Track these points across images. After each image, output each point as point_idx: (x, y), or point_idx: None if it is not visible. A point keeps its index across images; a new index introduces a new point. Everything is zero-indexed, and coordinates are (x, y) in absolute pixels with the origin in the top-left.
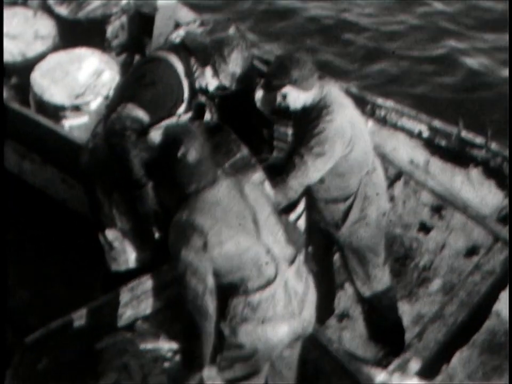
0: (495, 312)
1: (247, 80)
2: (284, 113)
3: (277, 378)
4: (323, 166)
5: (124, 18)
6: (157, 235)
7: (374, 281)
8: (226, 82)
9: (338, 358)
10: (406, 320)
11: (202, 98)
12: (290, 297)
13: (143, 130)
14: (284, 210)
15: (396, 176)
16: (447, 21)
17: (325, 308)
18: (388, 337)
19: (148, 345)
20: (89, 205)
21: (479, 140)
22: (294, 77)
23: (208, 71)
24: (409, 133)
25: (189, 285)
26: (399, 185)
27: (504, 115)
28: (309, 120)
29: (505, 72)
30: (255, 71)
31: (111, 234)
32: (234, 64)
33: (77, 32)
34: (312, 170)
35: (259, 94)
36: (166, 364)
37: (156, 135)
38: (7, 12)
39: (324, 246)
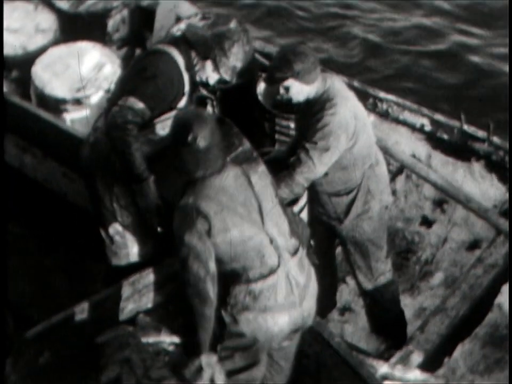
0: (497, 305)
1: (249, 73)
2: (286, 106)
3: (274, 369)
4: (329, 160)
5: (125, 12)
6: (158, 229)
7: (376, 275)
8: (227, 76)
9: (340, 351)
10: (408, 313)
11: (203, 92)
12: (292, 288)
13: (144, 123)
14: (287, 204)
15: (397, 170)
16: (449, 17)
17: (327, 302)
18: (390, 331)
19: (150, 339)
20: (90, 198)
21: (481, 133)
22: (297, 69)
23: (209, 65)
24: (411, 127)
25: (191, 269)
26: (401, 179)
27: (505, 111)
28: (312, 113)
29: (506, 68)
30: (256, 65)
31: (112, 228)
32: (235, 58)
33: (77, 26)
34: (319, 165)
35: (261, 87)
36: (168, 358)
37: (157, 128)
38: (8, 6)
39: (326, 239)
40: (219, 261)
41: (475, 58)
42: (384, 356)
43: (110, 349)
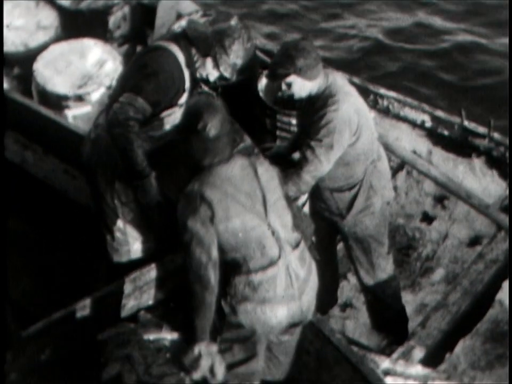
0: (498, 301)
1: (250, 70)
2: (287, 102)
3: (272, 364)
4: (334, 156)
5: (126, 9)
6: (159, 226)
7: (378, 271)
8: (227, 73)
9: (341, 348)
10: (409, 309)
11: (205, 88)
12: (292, 281)
13: (145, 120)
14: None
15: (398, 166)
16: (450, 17)
17: (328, 298)
18: (391, 327)
19: (151, 336)
20: (91, 195)
21: (481, 129)
22: (299, 65)
23: (209, 62)
24: (412, 123)
25: (193, 254)
26: (401, 176)
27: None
28: (315, 109)
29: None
30: (257, 62)
31: (113, 225)
32: (235, 55)
33: (79, 23)
34: (325, 163)
35: (262, 83)
36: (169, 354)
37: (158, 125)
38: (9, 2)
39: (328, 235)
40: (220, 250)
41: (476, 57)
42: (386, 352)
43: (111, 345)
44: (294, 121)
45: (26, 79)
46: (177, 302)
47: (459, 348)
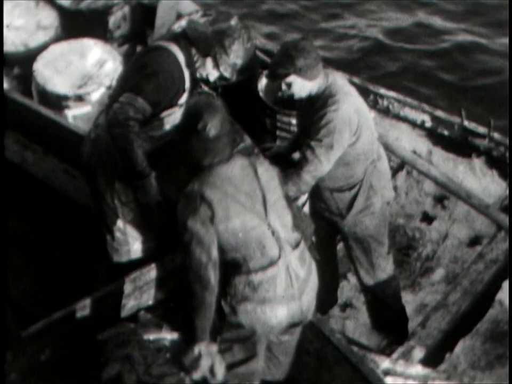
0: (498, 301)
1: (250, 70)
2: (287, 102)
3: (272, 364)
4: (334, 156)
5: (126, 9)
6: (159, 226)
7: (378, 271)
8: (227, 73)
9: (341, 348)
10: (409, 309)
11: (205, 88)
12: (292, 281)
13: (145, 120)
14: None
15: (398, 166)
16: (450, 17)
17: (328, 298)
18: (391, 327)
19: (151, 336)
20: (91, 195)
21: (481, 129)
22: (299, 65)
23: (209, 62)
24: (412, 123)
25: (193, 254)
26: (401, 176)
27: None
28: (315, 109)
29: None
30: (257, 62)
31: (113, 225)
32: (235, 55)
33: (79, 23)
34: (325, 163)
35: (262, 83)
36: (169, 355)
37: (158, 125)
38: (9, 2)
39: (328, 235)
40: (220, 250)
41: (476, 57)
42: (386, 352)
43: (111, 345)
44: (294, 121)
45: (26, 79)
46: (177, 302)
47: (459, 348)
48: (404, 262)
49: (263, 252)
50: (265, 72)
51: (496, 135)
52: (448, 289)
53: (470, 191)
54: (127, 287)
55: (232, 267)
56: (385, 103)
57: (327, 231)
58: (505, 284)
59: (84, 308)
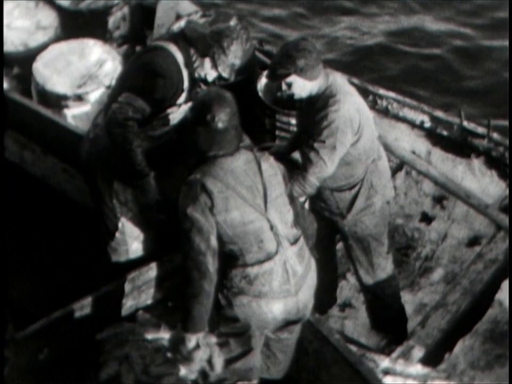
0: (497, 301)
1: (249, 71)
2: (287, 102)
3: (270, 361)
4: (337, 157)
5: (126, 9)
6: (158, 225)
7: (378, 270)
8: (225, 74)
9: (339, 348)
10: (408, 309)
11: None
12: (288, 276)
13: (144, 120)
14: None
15: (397, 166)
16: (451, 21)
17: (327, 297)
18: (391, 326)
19: (149, 336)
20: (90, 195)
21: (480, 129)
22: (300, 65)
23: (207, 62)
24: (411, 123)
25: (193, 242)
26: (400, 176)
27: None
28: (316, 110)
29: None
30: (256, 62)
31: (111, 224)
32: (234, 56)
33: (78, 23)
34: (330, 164)
35: (261, 83)
36: (167, 354)
37: (157, 125)
38: (9, 3)
39: (327, 235)
40: (218, 241)
41: (477, 62)
42: (385, 352)
43: (110, 345)
44: (293, 121)
45: (25, 79)
46: (175, 302)
47: (458, 347)
48: (403, 262)
49: (260, 245)
50: (264, 72)
51: (495, 135)
52: (448, 289)
53: (469, 191)
54: (126, 287)
55: (229, 259)
56: (384, 103)
57: (327, 230)
58: (505, 284)
59: (82, 308)
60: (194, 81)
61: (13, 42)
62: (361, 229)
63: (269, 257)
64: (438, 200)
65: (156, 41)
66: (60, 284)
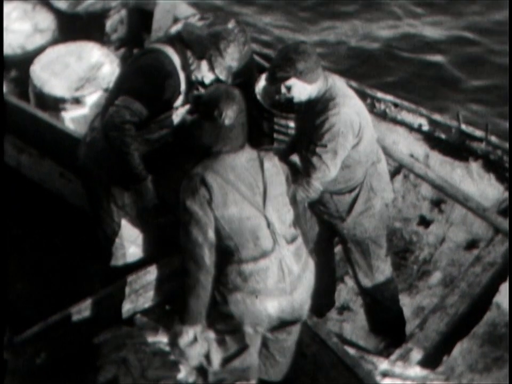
0: (495, 304)
1: (247, 74)
2: (285, 105)
3: (269, 362)
4: (340, 160)
5: (123, 13)
6: (155, 229)
7: (377, 273)
8: (222, 76)
9: (337, 352)
10: (406, 313)
11: (202, 91)
12: (284, 275)
13: (142, 123)
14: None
15: (395, 170)
16: (452, 27)
17: (325, 301)
18: (389, 329)
19: (147, 339)
20: (87, 198)
21: (479, 133)
22: (300, 68)
23: (204, 64)
24: (409, 127)
25: (190, 234)
26: (398, 179)
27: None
28: (316, 113)
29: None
30: (254, 65)
31: (109, 228)
32: (231, 58)
33: (76, 26)
34: (333, 168)
35: (259, 86)
36: (165, 358)
37: (154, 128)
38: (6, 5)
39: (326, 238)
40: (216, 236)
41: (477, 68)
42: (383, 354)
43: (107, 349)
44: (291, 124)
45: (23, 82)
46: (173, 305)
47: (457, 350)
48: (401, 265)
49: (256, 242)
50: (262, 75)
51: (493, 139)
52: (446, 292)
53: (467, 194)
54: (124, 290)
55: (225, 255)
56: (382, 106)
57: (325, 234)
58: (503, 287)
59: (80, 311)
60: (191, 84)
61: (11, 45)
62: (360, 232)
63: (264, 255)
64: (436, 204)
65: (153, 43)
66: (57, 287)
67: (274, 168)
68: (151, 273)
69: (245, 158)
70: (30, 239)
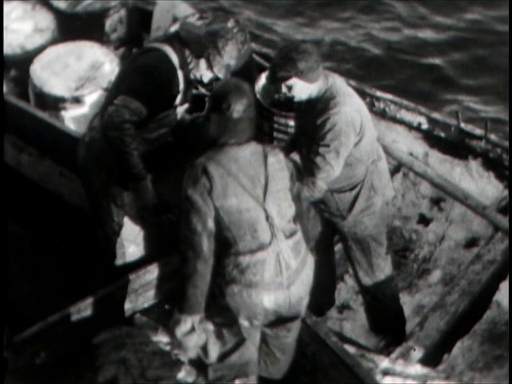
0: (495, 302)
1: (246, 73)
2: (285, 104)
3: (269, 359)
4: (343, 159)
5: (123, 12)
6: (155, 228)
7: (377, 271)
8: (221, 74)
9: (337, 351)
10: (406, 311)
11: (202, 90)
12: (281, 269)
13: (141, 122)
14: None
15: (395, 168)
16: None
17: (325, 299)
18: (389, 328)
19: (147, 339)
20: (87, 198)
21: (478, 131)
22: (300, 68)
23: (203, 63)
24: (409, 125)
25: (190, 222)
26: (398, 178)
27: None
28: (316, 113)
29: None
30: (254, 64)
31: (108, 227)
32: (229, 56)
33: (75, 26)
34: (336, 167)
35: (259, 85)
36: (165, 357)
37: (153, 127)
38: (6, 5)
39: (326, 236)
40: (216, 226)
41: (476, 70)
42: (384, 353)
43: (107, 348)
44: (291, 123)
45: (23, 82)
46: (173, 305)
47: (457, 348)
48: (401, 264)
49: (254, 235)
50: (262, 74)
51: (492, 137)
52: (446, 291)
53: (466, 192)
54: (123, 290)
55: (223, 247)
56: (382, 105)
57: (326, 232)
58: (503, 285)
59: (79, 311)
60: (189, 83)
61: (11, 44)
62: (361, 230)
63: (261, 247)
64: (436, 202)
65: (151, 43)
66: (57, 287)
67: (278, 164)
68: (150, 273)
69: (249, 151)
70: (29, 239)
